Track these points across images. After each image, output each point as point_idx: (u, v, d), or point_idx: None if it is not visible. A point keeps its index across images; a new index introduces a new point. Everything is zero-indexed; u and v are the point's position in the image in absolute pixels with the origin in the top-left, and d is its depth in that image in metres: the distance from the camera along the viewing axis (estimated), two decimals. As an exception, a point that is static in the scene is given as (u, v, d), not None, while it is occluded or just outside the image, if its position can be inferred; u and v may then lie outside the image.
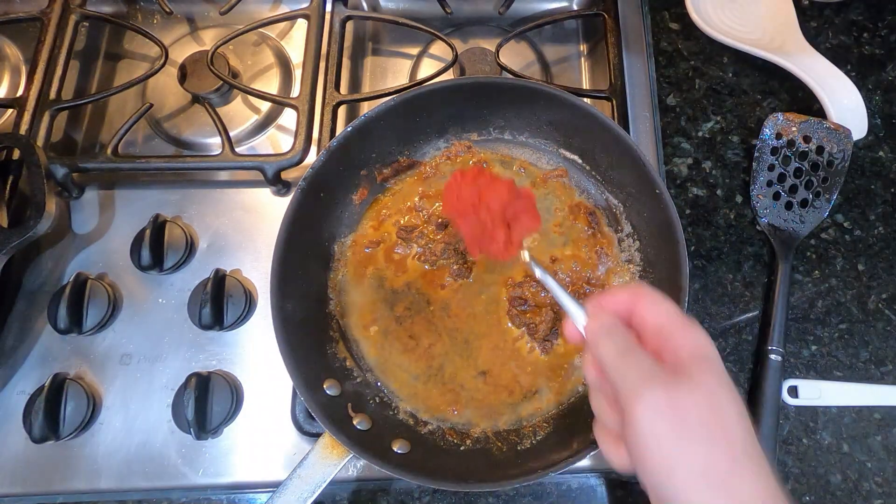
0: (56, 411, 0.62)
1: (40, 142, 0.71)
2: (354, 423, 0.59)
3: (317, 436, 0.64)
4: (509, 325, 0.66)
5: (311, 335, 0.63)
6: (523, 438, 0.62)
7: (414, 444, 0.60)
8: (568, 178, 0.72)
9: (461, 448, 0.61)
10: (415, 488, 0.65)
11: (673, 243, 0.60)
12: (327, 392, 0.60)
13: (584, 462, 0.56)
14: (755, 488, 0.37)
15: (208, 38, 0.85)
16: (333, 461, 0.55)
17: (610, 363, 0.42)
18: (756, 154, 0.76)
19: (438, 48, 0.86)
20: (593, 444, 0.54)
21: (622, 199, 0.70)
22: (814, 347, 0.71)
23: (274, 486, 0.63)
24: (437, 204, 0.71)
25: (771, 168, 0.76)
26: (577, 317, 0.47)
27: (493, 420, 0.63)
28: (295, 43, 0.85)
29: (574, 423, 0.61)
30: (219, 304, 0.67)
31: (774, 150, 0.76)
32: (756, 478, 0.38)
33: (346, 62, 0.81)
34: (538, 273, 0.52)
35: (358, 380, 0.64)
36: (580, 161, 0.72)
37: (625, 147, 0.65)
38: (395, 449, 0.59)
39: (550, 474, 0.54)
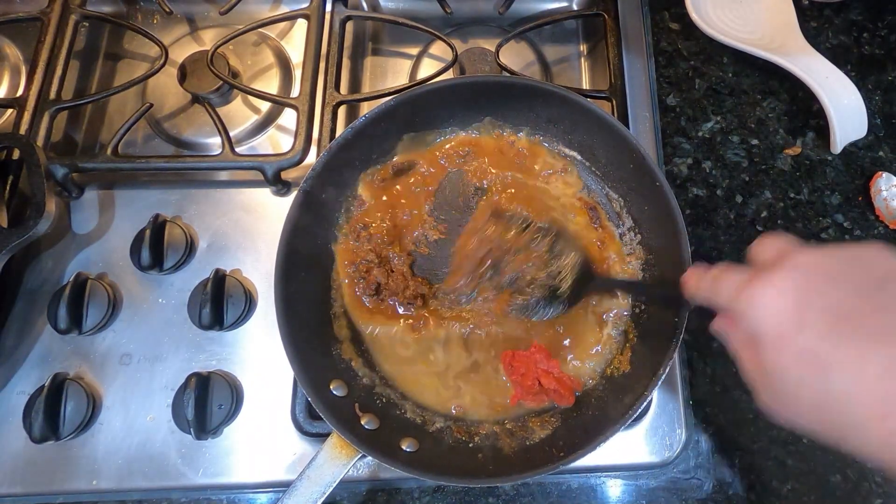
0: (56, 411, 0.62)
1: (40, 142, 0.71)
2: (362, 422, 0.60)
3: (317, 436, 0.64)
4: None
5: (316, 336, 0.64)
6: (532, 433, 0.62)
7: (422, 443, 0.60)
8: (568, 174, 0.72)
9: (469, 445, 0.61)
10: (415, 488, 0.65)
11: (675, 235, 0.61)
12: (334, 392, 0.60)
13: (585, 462, 0.56)
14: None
15: (208, 38, 0.85)
16: (342, 461, 0.56)
17: (711, 293, 0.44)
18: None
19: (438, 48, 0.86)
20: (602, 437, 0.55)
21: (623, 194, 0.70)
22: (814, 347, 0.70)
23: (274, 487, 0.64)
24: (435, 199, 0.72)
25: None
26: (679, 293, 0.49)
27: (500, 414, 0.63)
28: (295, 43, 0.85)
29: (582, 417, 0.62)
30: (219, 304, 0.67)
31: None
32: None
33: (346, 62, 0.81)
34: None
35: (364, 380, 0.64)
36: (580, 157, 0.72)
37: (624, 141, 0.65)
38: (403, 447, 0.59)
39: (560, 467, 0.54)
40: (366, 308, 0.67)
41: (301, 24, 0.84)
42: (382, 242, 0.69)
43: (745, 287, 0.40)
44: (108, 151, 0.72)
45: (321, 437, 0.64)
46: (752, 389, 0.42)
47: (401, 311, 0.67)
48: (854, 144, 0.79)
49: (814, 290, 0.38)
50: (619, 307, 0.67)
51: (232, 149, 0.73)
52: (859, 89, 0.76)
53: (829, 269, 0.39)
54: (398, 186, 0.72)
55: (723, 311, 0.44)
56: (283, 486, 0.63)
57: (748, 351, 0.41)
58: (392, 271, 0.67)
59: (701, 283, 0.46)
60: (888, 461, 0.36)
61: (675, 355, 0.58)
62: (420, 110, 0.69)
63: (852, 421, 0.36)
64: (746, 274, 0.41)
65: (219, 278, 0.68)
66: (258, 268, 0.72)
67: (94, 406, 0.65)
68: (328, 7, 0.82)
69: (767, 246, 0.43)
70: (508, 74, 0.79)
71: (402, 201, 0.71)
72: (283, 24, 0.86)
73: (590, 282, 0.62)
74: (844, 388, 0.35)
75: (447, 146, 0.73)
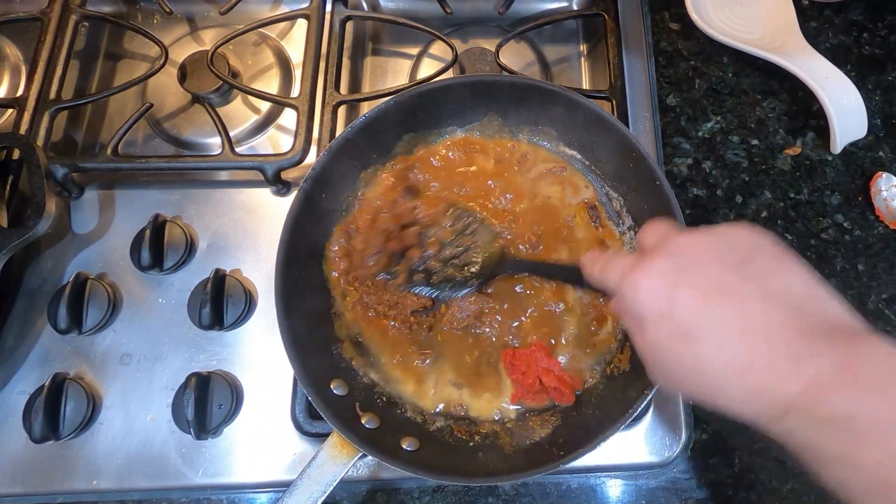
0: (56, 411, 0.62)
1: (40, 142, 0.71)
2: (363, 421, 0.60)
3: (317, 436, 0.64)
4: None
5: (316, 336, 0.63)
6: (532, 433, 0.62)
7: (423, 442, 0.60)
8: (568, 173, 0.72)
9: (470, 444, 0.61)
10: (414, 488, 0.65)
11: None
12: (334, 392, 0.61)
13: (585, 462, 0.56)
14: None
15: (208, 38, 0.85)
16: (343, 460, 0.56)
17: (601, 278, 0.48)
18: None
19: (438, 48, 0.86)
20: (602, 436, 0.55)
21: (622, 193, 0.70)
22: (814, 347, 0.70)
23: (274, 486, 0.64)
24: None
25: None
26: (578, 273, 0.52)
27: (500, 413, 0.63)
28: (295, 43, 0.85)
29: (582, 416, 0.62)
30: (219, 304, 0.67)
31: None
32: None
33: (346, 62, 0.81)
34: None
35: (364, 379, 0.64)
36: (579, 156, 0.72)
37: (623, 140, 0.65)
38: (404, 446, 0.59)
39: (560, 466, 0.54)
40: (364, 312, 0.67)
41: (301, 24, 0.84)
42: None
43: (629, 272, 0.43)
44: (108, 151, 0.72)
45: (321, 437, 0.64)
46: (645, 365, 0.45)
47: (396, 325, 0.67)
48: (854, 144, 0.79)
49: (687, 269, 0.41)
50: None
51: (232, 149, 0.73)
52: (859, 89, 0.76)
53: (701, 248, 0.42)
54: (399, 187, 0.72)
55: (614, 294, 0.46)
56: (283, 486, 0.63)
57: (637, 330, 0.44)
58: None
59: (594, 267, 0.49)
60: (749, 415, 0.39)
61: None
62: (420, 110, 0.69)
63: (718, 382, 0.39)
64: (631, 259, 0.45)
65: (219, 278, 0.68)
66: (258, 268, 0.72)
67: (94, 406, 0.65)
68: (328, 7, 0.82)
69: (650, 232, 0.46)
70: (508, 74, 0.79)
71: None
72: (283, 24, 0.86)
73: (499, 263, 0.63)
74: (711, 354, 0.39)
75: (447, 145, 0.73)
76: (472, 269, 0.63)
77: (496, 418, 0.63)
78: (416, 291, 0.64)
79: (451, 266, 0.63)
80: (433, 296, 0.64)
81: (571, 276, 0.55)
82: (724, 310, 0.39)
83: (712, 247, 0.42)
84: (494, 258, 0.64)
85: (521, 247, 0.69)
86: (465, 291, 0.64)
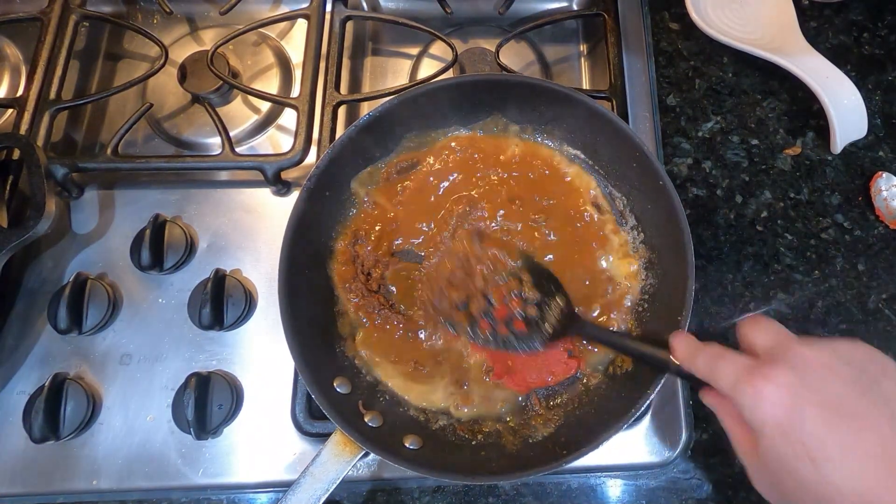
0: (56, 411, 0.62)
1: (40, 142, 0.71)
2: (366, 420, 0.60)
3: (317, 436, 0.64)
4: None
5: (319, 334, 0.63)
6: (534, 431, 0.61)
7: (425, 440, 0.60)
8: (571, 173, 0.72)
9: (472, 443, 0.61)
10: (414, 488, 0.65)
11: (677, 233, 0.61)
12: (338, 390, 0.60)
13: (585, 461, 0.56)
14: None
15: (208, 38, 0.85)
16: (346, 458, 0.56)
17: (708, 373, 0.46)
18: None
19: (438, 48, 0.86)
20: (605, 435, 0.55)
21: (626, 192, 0.70)
22: (814, 347, 0.70)
23: (274, 486, 0.64)
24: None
25: None
26: (667, 357, 0.51)
27: (502, 412, 0.63)
28: (295, 43, 0.85)
29: (585, 414, 0.62)
30: (219, 304, 0.67)
31: None
32: None
33: (346, 62, 0.81)
34: None
35: (368, 377, 0.64)
36: (583, 156, 0.72)
37: (627, 139, 0.65)
38: (406, 445, 0.59)
39: (563, 465, 0.54)
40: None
41: (301, 24, 0.84)
42: (379, 243, 0.69)
43: (747, 378, 0.42)
44: (108, 151, 0.72)
45: (321, 436, 0.64)
46: (744, 466, 0.45)
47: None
48: (854, 144, 0.79)
49: (813, 385, 0.40)
50: (620, 304, 0.67)
51: (232, 149, 0.73)
52: (859, 89, 0.76)
53: (825, 364, 0.41)
54: (399, 186, 0.72)
55: (718, 390, 0.45)
56: (283, 486, 0.63)
57: (742, 432, 0.44)
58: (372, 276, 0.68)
59: (697, 359, 0.47)
60: None
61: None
62: (423, 109, 0.69)
63: None
64: (745, 361, 0.44)
65: (219, 278, 0.68)
66: (258, 268, 0.72)
67: (94, 406, 0.65)
68: (328, 7, 0.82)
69: (761, 332, 0.45)
70: (510, 74, 0.79)
71: (403, 201, 0.71)
72: (283, 24, 0.86)
73: (572, 324, 0.62)
74: (838, 479, 0.38)
75: (451, 144, 0.73)
76: (546, 328, 0.60)
77: (499, 417, 0.63)
78: (479, 342, 0.62)
79: (518, 324, 0.61)
80: (497, 348, 0.62)
81: (656, 360, 0.54)
82: (855, 434, 0.39)
83: (836, 364, 0.41)
84: (567, 320, 0.61)
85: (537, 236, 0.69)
86: (532, 349, 0.61)
